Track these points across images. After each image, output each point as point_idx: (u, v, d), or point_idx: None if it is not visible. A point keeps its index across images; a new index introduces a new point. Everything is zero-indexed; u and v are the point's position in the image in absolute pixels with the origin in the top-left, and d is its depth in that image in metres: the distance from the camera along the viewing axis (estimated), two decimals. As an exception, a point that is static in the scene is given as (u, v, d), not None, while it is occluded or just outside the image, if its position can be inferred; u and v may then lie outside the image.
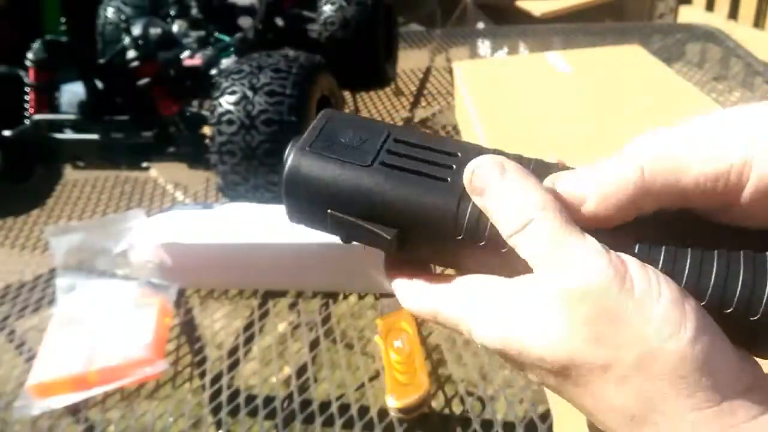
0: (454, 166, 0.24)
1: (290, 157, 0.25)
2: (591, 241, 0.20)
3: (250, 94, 0.70)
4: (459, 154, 0.24)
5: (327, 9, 1.04)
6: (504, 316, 0.21)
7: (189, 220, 0.67)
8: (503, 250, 0.22)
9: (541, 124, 0.73)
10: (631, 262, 0.20)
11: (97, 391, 0.56)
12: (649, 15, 2.59)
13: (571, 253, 0.20)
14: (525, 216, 0.21)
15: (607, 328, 0.19)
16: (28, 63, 0.86)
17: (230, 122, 0.70)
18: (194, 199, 0.90)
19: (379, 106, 1.14)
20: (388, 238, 0.24)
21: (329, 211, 0.25)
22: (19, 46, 0.88)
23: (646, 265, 0.20)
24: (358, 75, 1.09)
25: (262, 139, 0.69)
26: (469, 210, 0.23)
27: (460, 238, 0.23)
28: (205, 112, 0.85)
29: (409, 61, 1.28)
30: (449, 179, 0.24)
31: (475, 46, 1.41)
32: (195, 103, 0.94)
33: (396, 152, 0.25)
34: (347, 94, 1.14)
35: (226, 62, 0.90)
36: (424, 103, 1.13)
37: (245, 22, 1.07)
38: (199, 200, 0.90)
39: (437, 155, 0.24)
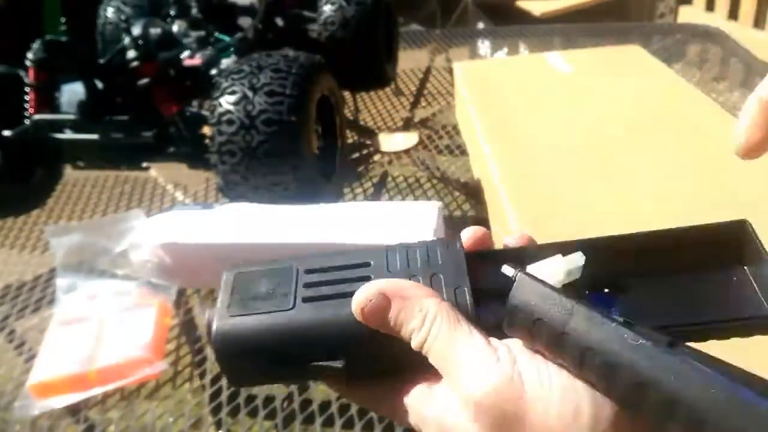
0: (371, 276, 0.25)
1: (213, 327, 0.24)
2: (477, 339, 0.22)
3: (250, 94, 0.70)
4: (371, 263, 0.25)
5: (327, 9, 1.04)
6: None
7: (189, 220, 0.67)
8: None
9: (540, 124, 0.73)
10: (520, 356, 0.21)
11: (97, 391, 0.56)
12: (649, 15, 2.59)
13: (465, 355, 0.21)
14: (425, 330, 0.22)
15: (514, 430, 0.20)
16: (28, 63, 0.86)
17: (230, 122, 0.70)
18: (194, 199, 0.90)
19: (379, 106, 1.14)
20: (339, 366, 0.24)
21: (271, 365, 0.24)
22: (19, 46, 0.88)
23: (534, 354, 0.21)
24: (358, 75, 1.09)
25: (262, 139, 0.69)
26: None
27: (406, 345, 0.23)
28: (205, 112, 0.85)
29: (409, 61, 1.28)
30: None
31: (475, 46, 1.41)
32: (195, 103, 0.94)
33: (312, 283, 0.25)
34: (347, 94, 1.14)
35: (226, 62, 0.90)
36: (424, 103, 1.13)
37: (245, 22, 1.07)
38: (199, 200, 0.90)
39: (351, 271, 0.25)
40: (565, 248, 0.25)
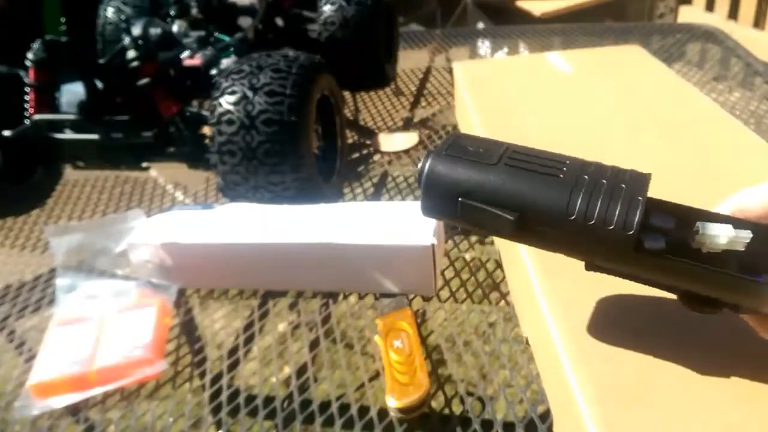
0: (564, 168, 0.30)
1: (429, 161, 0.31)
2: None
3: (250, 94, 0.70)
4: (567, 162, 0.30)
5: (327, 9, 1.04)
6: None
7: (189, 220, 0.67)
8: (609, 228, 0.28)
9: (541, 124, 0.73)
10: None
11: (97, 391, 0.55)
12: (649, 15, 2.59)
13: None
14: None
15: None
16: (28, 63, 0.86)
17: (230, 122, 0.70)
18: (194, 199, 0.90)
19: (379, 106, 1.14)
20: (511, 219, 0.29)
21: (460, 199, 0.30)
22: (19, 46, 0.88)
23: None
24: (358, 75, 1.09)
25: (262, 139, 0.69)
26: (580, 197, 0.29)
27: (572, 218, 0.29)
28: (205, 112, 0.85)
29: (409, 61, 1.28)
30: (561, 176, 0.29)
31: (475, 46, 1.41)
32: (195, 103, 0.94)
33: (515, 158, 0.30)
34: (347, 94, 1.14)
35: (226, 62, 0.90)
36: (424, 103, 1.13)
37: (245, 22, 1.07)
38: (199, 200, 0.90)
39: (549, 161, 0.30)
40: (739, 223, 0.30)
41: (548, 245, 0.31)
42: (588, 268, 0.33)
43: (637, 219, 0.28)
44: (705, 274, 0.29)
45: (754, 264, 0.29)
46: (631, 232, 0.28)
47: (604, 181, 0.29)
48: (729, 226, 0.29)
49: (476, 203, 0.30)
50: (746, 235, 0.28)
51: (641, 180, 0.30)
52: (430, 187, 0.31)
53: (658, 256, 0.29)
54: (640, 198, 0.29)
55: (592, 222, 0.28)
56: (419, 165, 0.31)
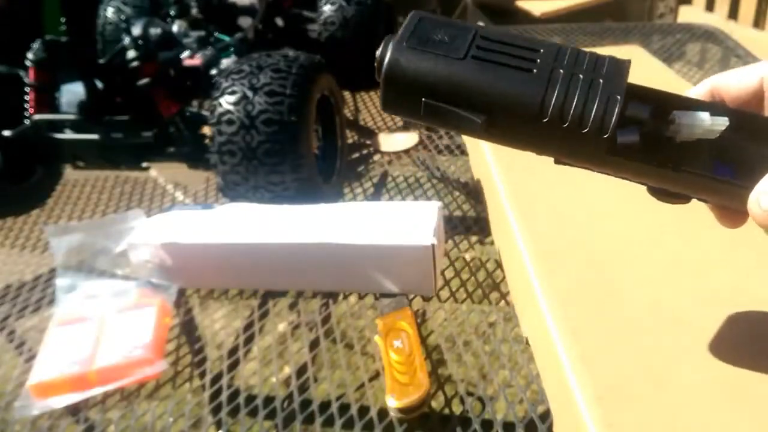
0: (538, 60, 0.27)
1: (389, 51, 0.27)
2: None
3: (250, 94, 0.70)
4: (541, 50, 0.27)
5: (327, 9, 1.04)
6: None
7: (189, 220, 0.67)
8: (584, 131, 0.26)
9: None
10: None
11: (97, 391, 0.55)
12: (649, 15, 2.59)
13: None
14: None
15: None
16: (28, 63, 0.86)
17: (230, 122, 0.70)
18: (194, 199, 0.90)
19: (379, 106, 1.13)
20: (479, 121, 0.27)
21: (424, 100, 0.27)
22: (19, 46, 0.88)
23: None
24: (358, 75, 1.09)
25: (262, 139, 0.69)
26: (554, 96, 0.26)
27: (545, 120, 0.26)
28: (205, 112, 0.85)
29: (409, 61, 1.28)
30: (534, 70, 0.27)
31: (475, 46, 1.41)
32: (195, 103, 0.94)
33: (484, 47, 0.27)
34: (347, 94, 1.14)
35: (226, 62, 0.90)
36: (424, 103, 1.13)
37: (245, 22, 1.07)
38: (199, 200, 0.90)
39: (522, 51, 0.27)
40: (716, 109, 0.28)
41: (517, 144, 0.29)
42: (557, 162, 0.31)
43: (613, 121, 0.26)
44: (675, 177, 0.28)
45: (727, 153, 0.28)
46: (606, 135, 0.27)
47: (581, 75, 0.27)
48: (706, 114, 0.28)
49: (441, 104, 0.27)
50: (722, 122, 0.27)
51: (620, 70, 0.28)
52: (390, 83, 0.28)
53: (630, 158, 0.28)
54: (618, 96, 0.27)
55: (566, 124, 0.26)
56: (377, 52, 0.28)
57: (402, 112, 0.29)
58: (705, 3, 2.38)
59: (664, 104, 0.29)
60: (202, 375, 0.59)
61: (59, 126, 0.86)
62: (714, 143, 0.28)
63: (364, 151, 0.98)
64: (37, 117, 0.85)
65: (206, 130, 0.76)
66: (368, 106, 1.14)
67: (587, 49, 0.29)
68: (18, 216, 0.91)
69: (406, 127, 1.05)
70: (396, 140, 1.00)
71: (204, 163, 0.80)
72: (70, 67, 0.87)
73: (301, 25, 1.13)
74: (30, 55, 0.86)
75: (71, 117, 0.85)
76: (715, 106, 0.29)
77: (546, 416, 0.47)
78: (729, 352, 0.38)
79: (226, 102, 0.70)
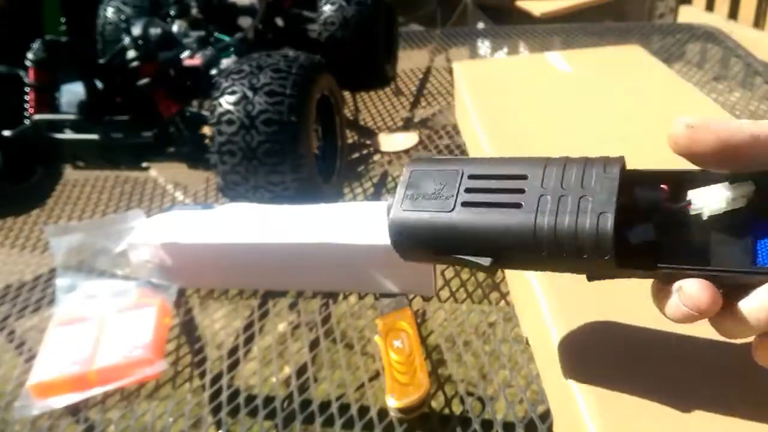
0: (525, 189, 0.27)
1: (390, 215, 0.30)
2: None
3: (250, 94, 0.70)
4: (528, 176, 0.28)
5: (327, 9, 1.04)
6: None
7: (189, 220, 0.67)
8: (584, 257, 0.26)
9: (541, 124, 0.73)
10: None
11: (97, 391, 0.55)
12: (649, 15, 2.59)
13: None
14: None
15: None
16: (28, 63, 0.86)
17: (230, 122, 0.70)
18: (194, 199, 0.90)
19: (379, 106, 1.14)
20: (486, 264, 0.28)
21: (433, 253, 0.30)
22: (19, 46, 0.88)
23: None
24: (358, 75, 1.09)
25: (262, 139, 0.69)
26: (545, 227, 0.26)
27: (544, 253, 0.27)
28: (205, 112, 0.85)
29: (409, 61, 1.28)
30: (522, 203, 0.27)
31: (475, 46, 1.41)
32: (195, 103, 0.94)
33: (473, 189, 0.29)
34: (347, 94, 1.14)
35: (226, 62, 0.90)
36: (424, 103, 1.13)
37: (245, 22, 1.07)
38: (199, 200, 0.90)
39: (509, 182, 0.28)
40: (736, 177, 0.26)
41: (535, 270, 0.31)
42: (589, 279, 0.30)
43: (610, 243, 0.25)
44: (704, 275, 0.26)
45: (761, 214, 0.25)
46: (607, 257, 0.25)
47: (569, 198, 0.26)
48: (724, 185, 0.25)
49: (448, 256, 0.29)
50: (747, 189, 0.25)
51: (611, 176, 0.26)
52: (398, 245, 0.31)
53: (648, 263, 0.26)
54: (608, 214, 0.25)
55: (564, 255, 0.26)
56: (387, 216, 0.31)
57: (418, 261, 0.32)
58: (705, 3, 2.38)
59: (675, 185, 0.27)
60: (202, 375, 0.59)
61: (59, 126, 0.86)
62: (743, 212, 0.25)
63: (364, 151, 0.98)
64: (37, 117, 0.85)
65: (206, 130, 0.76)
66: (368, 106, 1.14)
67: (577, 156, 0.28)
68: (18, 216, 0.91)
69: (406, 127, 1.05)
70: (396, 140, 1.00)
71: (204, 163, 0.79)
72: (70, 67, 0.87)
73: (301, 25, 1.13)
74: (30, 55, 0.86)
75: (71, 117, 0.85)
76: (733, 175, 0.26)
77: (546, 416, 0.47)
78: (732, 356, 0.38)
79: (226, 102, 0.70)
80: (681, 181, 0.28)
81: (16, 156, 0.86)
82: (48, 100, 0.87)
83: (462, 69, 0.91)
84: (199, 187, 0.92)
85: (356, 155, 0.97)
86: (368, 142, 1.01)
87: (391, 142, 0.99)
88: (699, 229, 0.26)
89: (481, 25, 2.41)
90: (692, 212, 0.26)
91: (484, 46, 1.40)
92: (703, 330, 0.40)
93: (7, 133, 0.85)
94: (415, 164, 0.31)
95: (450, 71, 1.17)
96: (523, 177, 0.28)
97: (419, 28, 2.11)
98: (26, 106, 0.86)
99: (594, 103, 0.76)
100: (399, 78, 1.21)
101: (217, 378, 0.58)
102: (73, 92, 0.87)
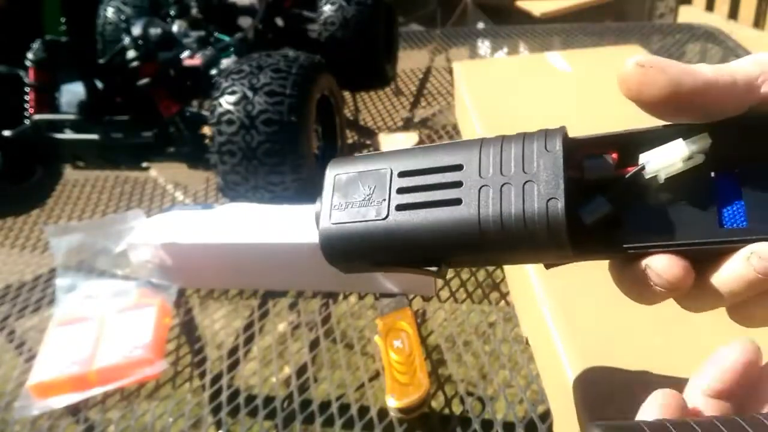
0: (463, 181, 0.25)
1: (319, 233, 0.27)
2: None
3: (250, 94, 0.70)
4: (463, 166, 0.25)
5: (327, 9, 1.04)
6: None
7: (189, 220, 0.67)
8: (537, 248, 0.24)
9: (541, 124, 0.72)
10: None
11: (97, 391, 0.55)
12: (649, 15, 2.59)
13: None
14: None
15: None
16: (28, 63, 0.86)
17: (230, 122, 0.70)
18: (194, 199, 0.90)
19: (379, 106, 1.14)
20: (434, 270, 0.26)
21: (373, 264, 0.27)
22: (19, 46, 0.88)
23: None
24: (358, 75, 1.09)
25: (262, 139, 0.69)
26: (491, 224, 0.24)
27: (493, 251, 0.24)
28: (205, 112, 0.85)
29: (409, 61, 1.28)
30: (462, 198, 0.24)
31: (475, 46, 1.41)
32: (195, 103, 0.94)
33: (405, 188, 0.26)
34: (347, 94, 1.14)
35: (226, 62, 0.90)
36: (424, 103, 1.13)
37: (245, 22, 1.07)
38: (199, 200, 0.90)
39: (442, 175, 0.25)
40: (689, 130, 0.23)
41: (489, 266, 0.27)
42: (547, 267, 0.28)
43: (564, 233, 0.23)
44: (674, 250, 0.23)
45: (725, 163, 0.23)
46: (562, 246, 0.23)
47: (512, 185, 0.24)
48: (678, 142, 0.23)
49: (390, 266, 0.26)
50: (703, 143, 0.23)
51: (553, 153, 0.24)
52: (335, 260, 0.27)
53: (610, 242, 0.24)
54: (557, 199, 0.23)
55: (516, 249, 0.24)
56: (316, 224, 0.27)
57: (359, 271, 0.28)
58: (705, 3, 2.38)
59: (626, 148, 0.25)
60: (202, 375, 0.59)
61: (59, 126, 0.86)
62: (704, 165, 0.23)
63: (364, 151, 0.98)
64: (37, 117, 0.85)
65: (206, 130, 0.76)
66: (368, 106, 1.14)
67: (513, 134, 0.26)
68: (18, 216, 0.91)
69: (406, 127, 1.05)
70: (396, 140, 0.99)
71: (204, 163, 0.80)
72: (70, 67, 0.87)
73: (301, 25, 1.13)
74: (30, 55, 0.86)
75: (71, 117, 0.85)
76: (684, 127, 0.24)
77: (546, 416, 0.47)
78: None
79: (226, 102, 0.70)
80: (631, 144, 0.25)
81: (16, 156, 0.86)
82: (48, 100, 0.87)
83: (462, 69, 0.91)
84: (199, 187, 0.92)
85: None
86: (368, 142, 1.01)
87: (391, 142, 0.99)
88: (657, 195, 0.24)
89: (481, 25, 2.41)
90: (647, 176, 0.24)
91: (484, 46, 1.40)
92: (706, 333, 0.40)
93: (7, 133, 0.85)
94: (338, 167, 0.28)
95: (450, 71, 1.17)
96: (458, 167, 0.25)
97: (419, 28, 2.11)
98: (26, 106, 0.86)
99: (594, 102, 0.76)
100: (399, 78, 1.21)
101: (217, 378, 0.58)
102: (73, 92, 0.87)
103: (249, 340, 0.62)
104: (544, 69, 0.88)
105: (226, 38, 0.96)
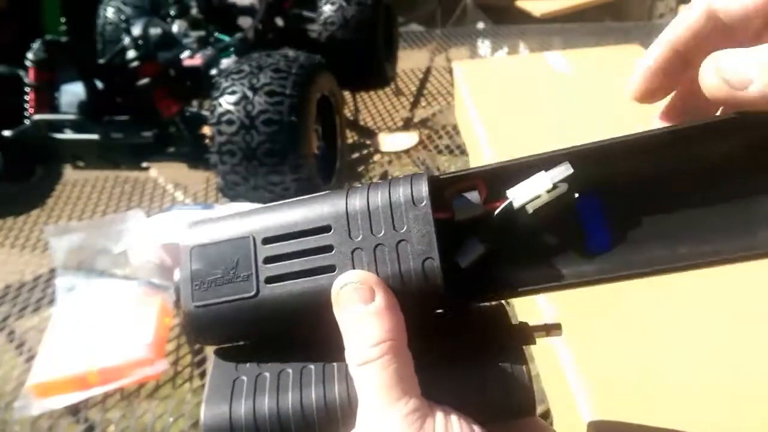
0: (334, 245, 0.23)
1: (184, 317, 0.24)
2: (409, 406, 0.20)
3: (250, 94, 0.70)
4: (332, 228, 0.23)
5: (327, 9, 1.04)
6: None
7: (189, 220, 0.67)
8: (423, 304, 0.23)
9: (540, 124, 0.73)
10: (438, 422, 0.20)
11: (97, 391, 0.55)
12: (649, 15, 2.59)
13: (387, 416, 0.20)
14: (364, 356, 0.21)
15: None
16: (28, 63, 0.86)
17: (230, 122, 0.70)
18: (194, 199, 0.90)
19: (379, 106, 1.13)
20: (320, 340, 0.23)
21: (252, 341, 0.24)
22: (19, 46, 0.88)
23: (449, 415, 0.20)
24: (358, 75, 1.09)
25: (262, 139, 0.69)
26: None
27: None
28: (205, 112, 0.85)
29: (409, 61, 1.28)
30: (336, 265, 0.23)
31: (475, 46, 1.41)
32: (195, 103, 0.94)
33: (273, 257, 0.24)
34: (347, 94, 1.14)
35: (226, 62, 0.90)
36: (424, 103, 1.13)
37: (245, 22, 1.07)
38: (199, 200, 0.90)
39: (313, 238, 0.23)
40: (550, 161, 0.23)
41: None
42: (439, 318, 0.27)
43: (442, 289, 0.22)
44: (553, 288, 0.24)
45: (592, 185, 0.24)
46: (445, 303, 0.23)
47: (385, 246, 0.23)
48: (541, 174, 0.23)
49: (267, 347, 0.24)
50: (564, 172, 0.23)
51: (421, 207, 0.23)
52: (205, 342, 0.25)
53: (488, 293, 0.24)
54: (432, 259, 0.22)
55: (403, 306, 0.23)
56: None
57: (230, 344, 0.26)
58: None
59: (493, 186, 0.24)
60: (202, 375, 0.59)
61: (59, 126, 0.86)
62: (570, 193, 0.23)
63: (364, 151, 0.98)
64: (37, 117, 0.85)
65: (206, 130, 0.76)
66: (368, 106, 1.14)
67: (390, 177, 0.24)
68: (18, 216, 0.91)
69: (406, 127, 1.05)
70: (396, 140, 1.00)
71: (204, 163, 0.80)
72: (70, 67, 0.87)
73: (301, 25, 1.13)
74: (30, 55, 0.86)
75: (71, 117, 0.85)
76: (550, 158, 0.24)
77: (546, 416, 0.47)
78: (727, 356, 0.38)
79: (226, 102, 0.70)
80: (497, 178, 0.24)
81: (16, 156, 0.86)
82: (48, 100, 0.87)
83: (462, 69, 0.91)
84: (199, 187, 0.92)
85: (356, 155, 0.97)
86: (368, 142, 1.01)
87: (391, 142, 0.99)
88: (528, 227, 0.24)
89: (481, 25, 2.41)
90: (516, 208, 0.23)
91: (484, 46, 1.40)
92: (706, 335, 0.40)
93: (7, 133, 0.85)
94: (194, 236, 0.25)
95: (450, 71, 1.17)
96: (327, 229, 0.24)
97: (419, 28, 2.11)
98: (26, 106, 0.86)
99: (594, 102, 0.76)
100: (399, 78, 1.21)
101: (217, 378, 0.58)
102: (73, 92, 0.87)
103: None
104: (544, 69, 0.88)
105: (226, 38, 0.96)
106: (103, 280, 0.66)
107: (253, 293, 0.23)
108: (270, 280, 0.23)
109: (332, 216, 0.24)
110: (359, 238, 0.23)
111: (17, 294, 0.73)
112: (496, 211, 0.23)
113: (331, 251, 0.23)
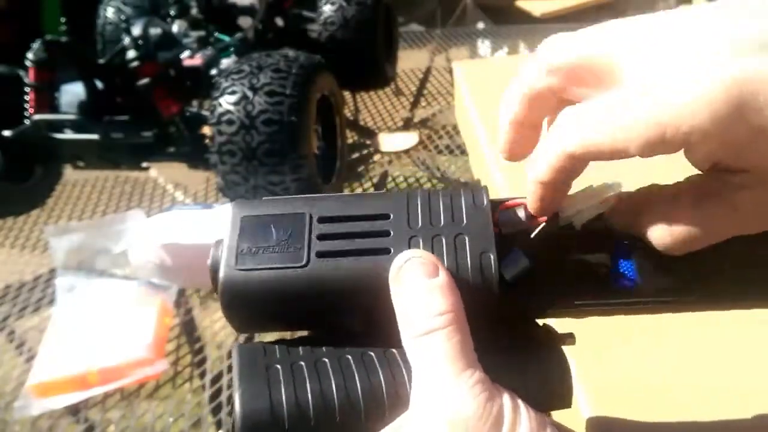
0: (391, 231, 0.23)
1: (220, 276, 0.22)
2: (476, 377, 0.20)
3: (250, 94, 0.70)
4: (391, 215, 0.23)
5: (327, 9, 1.04)
6: None
7: (189, 220, 0.67)
8: (473, 298, 0.22)
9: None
10: (505, 400, 0.20)
11: (97, 391, 0.55)
12: (649, 15, 2.59)
13: (454, 386, 0.20)
14: (428, 325, 0.21)
15: None
16: (28, 63, 0.86)
17: (230, 122, 0.70)
18: (194, 199, 0.90)
19: (379, 106, 1.14)
20: (360, 329, 0.23)
21: (284, 323, 0.24)
22: (19, 46, 0.88)
23: (516, 398, 0.20)
24: (358, 75, 1.09)
25: (262, 139, 0.69)
26: None
27: None
28: (205, 112, 0.85)
29: (409, 61, 1.28)
30: (392, 249, 0.22)
31: (475, 46, 1.41)
32: (195, 103, 0.94)
33: (326, 235, 0.23)
34: (347, 94, 1.14)
35: (226, 62, 0.90)
36: (424, 103, 1.13)
37: (245, 22, 1.07)
38: (199, 200, 0.90)
39: (369, 223, 0.23)
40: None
41: None
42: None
43: (496, 285, 0.22)
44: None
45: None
46: (493, 301, 0.23)
47: (443, 238, 0.23)
48: (589, 189, 0.23)
49: (302, 321, 0.24)
50: (612, 187, 0.23)
51: (482, 209, 0.24)
52: (236, 314, 0.23)
53: (534, 299, 0.23)
54: (489, 253, 0.22)
55: None
56: (208, 261, 0.24)
57: (263, 330, 0.25)
58: (705, 3, 2.38)
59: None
60: (202, 375, 0.59)
61: (59, 126, 0.86)
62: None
63: (364, 151, 0.98)
64: (37, 117, 0.85)
65: (206, 130, 0.76)
66: (368, 106, 1.14)
67: (440, 188, 0.24)
68: (18, 216, 0.91)
69: (406, 127, 1.05)
70: (396, 140, 1.00)
71: (204, 163, 0.80)
72: (70, 67, 0.87)
73: (301, 25, 1.13)
74: (30, 55, 0.86)
75: (71, 117, 0.85)
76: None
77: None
78: (727, 355, 0.38)
79: (226, 102, 0.71)
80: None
81: (16, 156, 0.86)
82: (48, 100, 0.87)
83: (462, 69, 0.91)
84: (199, 187, 0.92)
85: (356, 155, 0.97)
86: (368, 142, 1.01)
87: (391, 142, 0.99)
88: (575, 242, 0.24)
89: (481, 25, 2.41)
90: (562, 224, 0.23)
91: (484, 46, 1.40)
92: (705, 338, 0.40)
93: (7, 133, 0.85)
94: (244, 208, 0.24)
95: (450, 71, 1.17)
96: (385, 216, 0.23)
97: (419, 28, 2.11)
98: (26, 106, 0.86)
99: (594, 103, 0.76)
100: (399, 78, 1.21)
101: (217, 378, 0.58)
102: (73, 92, 0.87)
103: (249, 339, 0.62)
104: (544, 69, 0.88)
105: (226, 38, 0.96)
106: (103, 280, 0.66)
107: (302, 263, 0.22)
108: (322, 254, 0.22)
109: (391, 206, 0.24)
110: (418, 227, 0.23)
111: (17, 294, 0.73)
112: (539, 227, 0.23)
113: (388, 236, 0.23)
